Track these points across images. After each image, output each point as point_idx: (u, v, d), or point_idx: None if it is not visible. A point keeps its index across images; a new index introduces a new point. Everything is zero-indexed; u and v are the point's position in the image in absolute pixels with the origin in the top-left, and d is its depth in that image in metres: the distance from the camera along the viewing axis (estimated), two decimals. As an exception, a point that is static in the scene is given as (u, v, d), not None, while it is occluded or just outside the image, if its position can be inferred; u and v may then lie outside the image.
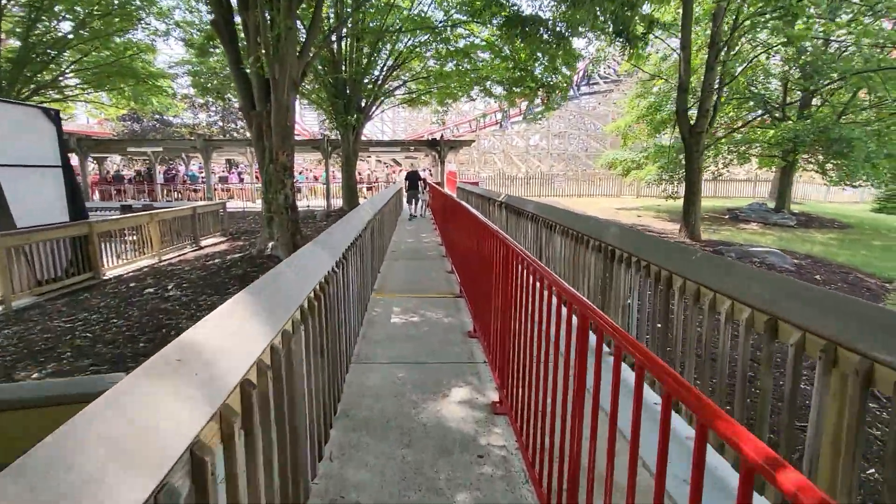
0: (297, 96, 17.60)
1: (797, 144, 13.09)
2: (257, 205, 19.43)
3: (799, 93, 16.19)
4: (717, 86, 9.58)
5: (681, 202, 19.03)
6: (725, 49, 9.58)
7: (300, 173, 25.87)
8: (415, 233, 11.09)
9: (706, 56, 10.50)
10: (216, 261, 8.32)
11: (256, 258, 7.65)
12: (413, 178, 14.38)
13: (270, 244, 7.90)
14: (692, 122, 9.98)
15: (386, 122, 57.83)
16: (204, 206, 12.57)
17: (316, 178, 23.80)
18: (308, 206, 18.49)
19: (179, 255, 10.63)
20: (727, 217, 17.79)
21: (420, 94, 16.63)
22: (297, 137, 37.67)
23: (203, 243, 12.24)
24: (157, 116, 28.36)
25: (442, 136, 18.77)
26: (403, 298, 5.21)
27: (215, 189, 21.09)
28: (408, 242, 9.50)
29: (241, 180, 23.94)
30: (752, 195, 28.28)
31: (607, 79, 43.09)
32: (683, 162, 17.25)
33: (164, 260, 10.01)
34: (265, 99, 7.40)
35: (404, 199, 14.93)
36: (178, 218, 11.32)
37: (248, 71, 7.41)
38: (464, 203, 5.41)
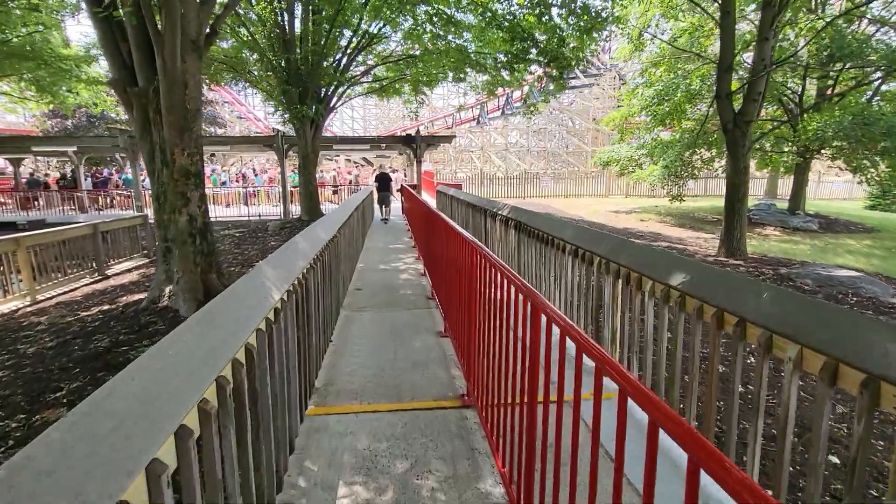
0: (237, 78, 14.85)
1: (825, 140, 11.32)
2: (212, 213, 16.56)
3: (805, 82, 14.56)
4: (768, 63, 7.54)
5: (685, 204, 17.30)
6: (781, 13, 7.56)
7: (255, 175, 22.93)
8: (387, 251, 8.66)
9: (741, 28, 8.51)
10: (92, 312, 5.70)
11: (143, 312, 5.08)
12: (383, 179, 13.50)
13: (168, 289, 5.31)
14: (737, 110, 7.94)
15: (357, 121, 54.93)
16: (113, 222, 9.76)
17: (271, 181, 20.95)
18: (260, 216, 15.72)
19: (67, 292, 7.87)
20: (737, 220, 16.05)
21: (392, 80, 14.11)
22: (254, 132, 34.62)
23: (113, 270, 9.48)
24: (92, 113, 24.79)
25: (418, 131, 16.33)
26: (367, 421, 2.81)
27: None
28: (379, 271, 7.07)
29: (187, 184, 20.80)
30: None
31: (586, 72, 41.53)
32: (689, 159, 15.41)
33: (40, 301, 7.25)
34: (149, 67, 4.83)
35: (375, 203, 13.74)
36: (69, 240, 8.53)
37: (124, 21, 4.78)
38: (466, 235, 3.06)
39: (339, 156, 31.55)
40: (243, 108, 39.95)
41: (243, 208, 18.85)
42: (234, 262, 9.25)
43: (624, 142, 18.95)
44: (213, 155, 22.97)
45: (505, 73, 10.93)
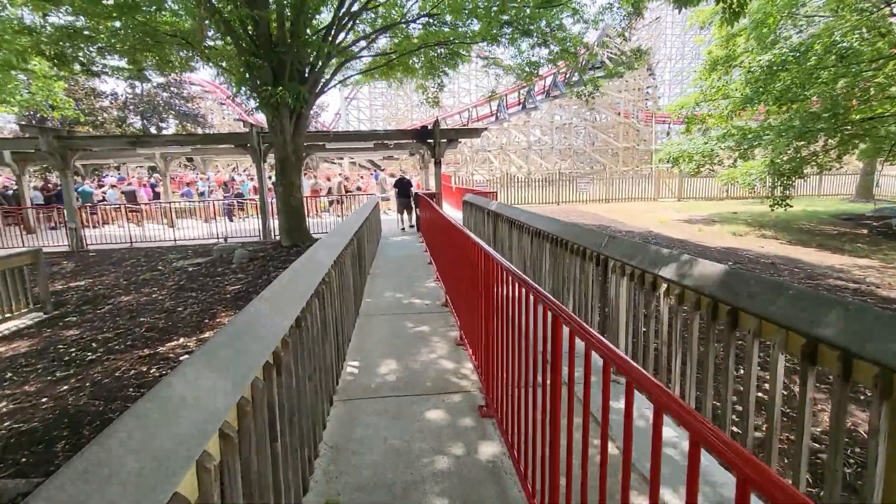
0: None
1: None
2: (180, 233, 12.99)
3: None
4: None
5: (768, 210, 13.23)
6: None
7: (241, 182, 19.40)
8: (400, 326, 4.91)
9: None
10: None
11: None
12: (404, 186, 12.28)
13: None
14: None
15: (363, 122, 51.48)
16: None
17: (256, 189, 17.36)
18: (226, 239, 12.08)
19: None
20: (866, 233, 12.08)
21: (404, 53, 10.36)
22: (225, 127, 31.32)
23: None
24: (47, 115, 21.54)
25: (437, 122, 12.64)
26: None
27: (94, 210, 14.56)
28: (387, 418, 3.31)
29: (157, 195, 17.38)
30: (815, 192, 22.56)
31: (614, 59, 37.47)
32: (806, 150, 11.51)
33: None
34: None
35: (383, 214, 12.57)
36: None
37: None
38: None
39: (342, 159, 28.01)
40: (238, 108, 36.57)
41: (227, 224, 15.36)
42: (147, 328, 5.61)
43: (691, 133, 15.02)
44: (191, 160, 19.54)
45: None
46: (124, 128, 20.69)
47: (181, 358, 4.48)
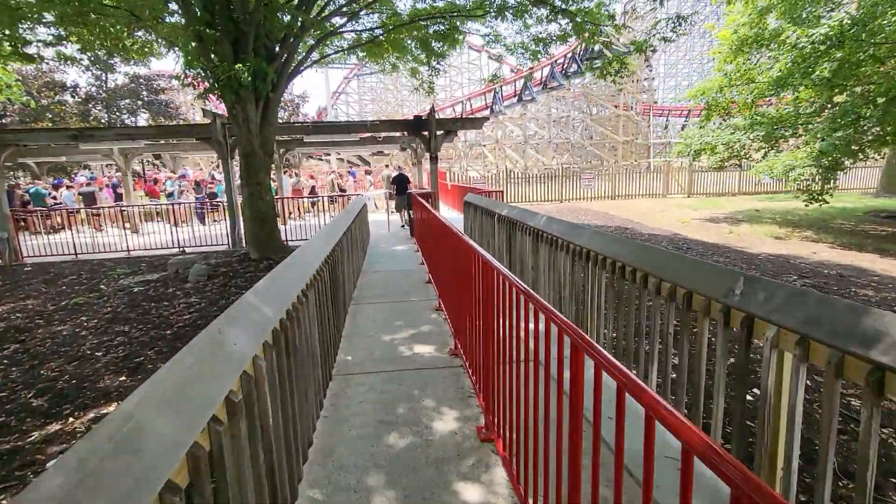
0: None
1: None
2: (142, 240, 11.27)
3: None
4: None
5: (794, 206, 11.86)
6: None
7: (218, 181, 17.64)
8: (393, 360, 3.40)
9: None
10: None
11: None
12: (401, 182, 11.71)
13: None
14: None
15: (353, 118, 49.55)
16: None
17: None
18: (184, 251, 10.38)
19: None
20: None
21: (393, 26, 8.75)
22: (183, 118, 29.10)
23: None
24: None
25: (433, 110, 11.05)
26: None
27: (49, 214, 12.77)
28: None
29: (119, 197, 15.61)
30: (831, 187, 21.31)
31: (614, 48, 36.06)
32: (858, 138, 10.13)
33: None
34: None
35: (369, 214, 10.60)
36: None
37: None
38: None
39: (328, 155, 26.24)
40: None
41: (197, 229, 13.72)
42: (40, 388, 4.02)
43: (712, 122, 13.60)
44: (158, 157, 17.72)
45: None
46: (90, 122, 18.81)
47: (47, 463, 2.90)
